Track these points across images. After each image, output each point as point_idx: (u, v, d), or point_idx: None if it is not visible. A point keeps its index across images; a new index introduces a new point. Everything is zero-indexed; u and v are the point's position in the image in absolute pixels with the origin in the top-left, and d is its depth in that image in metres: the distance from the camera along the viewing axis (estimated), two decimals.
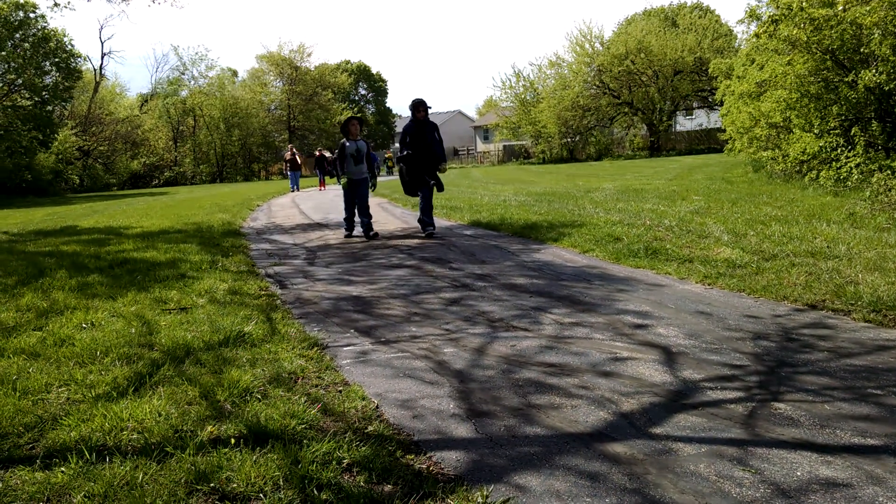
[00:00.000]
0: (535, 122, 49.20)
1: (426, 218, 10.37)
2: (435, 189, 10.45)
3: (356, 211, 10.66)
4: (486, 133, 68.46)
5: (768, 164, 15.82)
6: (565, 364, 4.13)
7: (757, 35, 12.01)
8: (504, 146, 58.51)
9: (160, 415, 3.36)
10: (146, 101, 55.69)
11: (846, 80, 11.10)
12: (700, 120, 50.63)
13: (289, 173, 28.94)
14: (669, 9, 55.52)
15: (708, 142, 44.09)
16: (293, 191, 27.04)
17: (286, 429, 3.17)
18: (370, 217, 10.73)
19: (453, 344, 4.65)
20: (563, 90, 47.42)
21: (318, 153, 29.92)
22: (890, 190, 9.34)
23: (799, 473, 2.68)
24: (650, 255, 7.40)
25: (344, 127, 10.62)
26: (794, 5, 9.81)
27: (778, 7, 9.94)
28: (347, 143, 10.44)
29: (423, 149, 10.11)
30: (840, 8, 9.32)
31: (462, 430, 3.25)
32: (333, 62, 68.12)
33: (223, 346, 4.56)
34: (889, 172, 9.98)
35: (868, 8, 9.75)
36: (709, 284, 6.11)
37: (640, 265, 7.09)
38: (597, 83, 47.23)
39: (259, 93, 57.83)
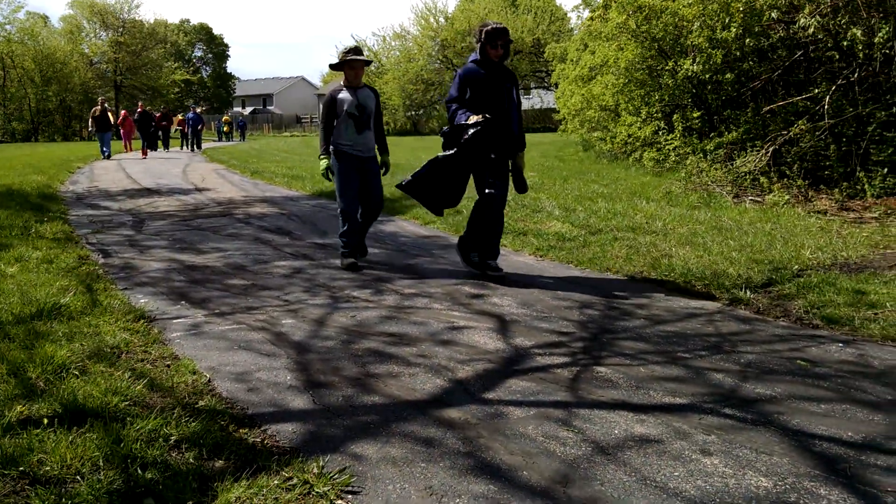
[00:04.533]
0: (379, 92, 48.95)
1: (488, 249, 5.56)
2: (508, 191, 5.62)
3: (362, 213, 6.07)
4: None
5: (597, 144, 16.78)
6: (405, 334, 4.18)
7: (591, 19, 12.65)
8: None
9: None
10: None
11: (667, 68, 11.99)
12: (536, 100, 52.63)
13: (96, 134, 22.22)
14: None
15: (544, 121, 45.97)
16: (104, 156, 21.40)
17: (107, 406, 2.97)
18: (371, 222, 6.25)
19: (292, 315, 4.56)
20: (408, 63, 47.48)
21: (139, 109, 25.23)
22: (701, 172, 10.23)
23: (616, 432, 2.89)
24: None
25: (338, 66, 5.99)
26: None
27: None
28: (343, 95, 5.90)
29: (499, 117, 5.25)
30: None
31: (299, 401, 3.20)
32: (174, 21, 63.75)
33: (36, 320, 4.18)
34: (702, 155, 10.92)
35: (688, 1, 10.57)
36: (541, 256, 6.41)
37: None
38: (441, 58, 47.73)
39: (80, 43, 52.94)
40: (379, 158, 6.14)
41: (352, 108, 5.88)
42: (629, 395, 3.27)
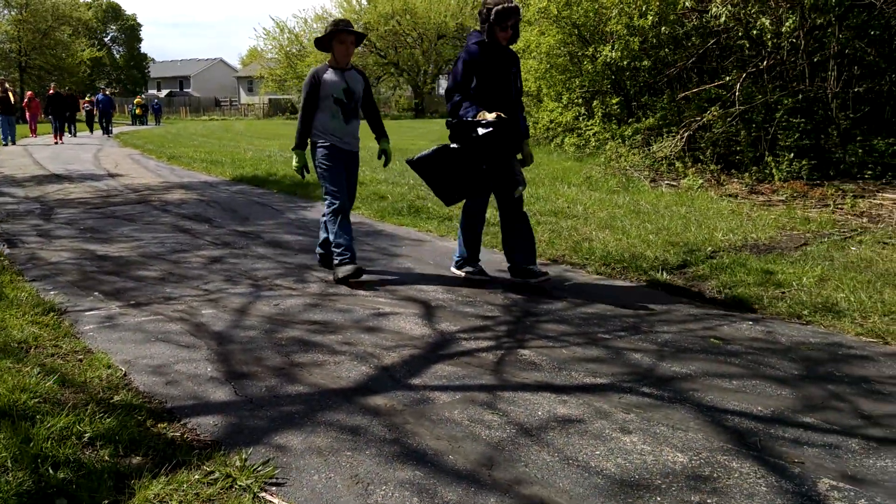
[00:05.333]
0: (301, 77, 48.00)
1: (523, 255, 4.90)
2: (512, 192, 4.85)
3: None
4: (250, 84, 65.39)
5: None
6: (330, 321, 4.14)
7: None
8: (270, 99, 56.49)
9: None
10: None
11: (587, 54, 12.21)
12: None
13: None
14: None
15: None
16: (5, 143, 19.76)
17: (15, 404, 2.82)
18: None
19: (213, 305, 4.44)
20: None
21: (51, 91, 23.48)
22: (620, 157, 10.49)
23: (540, 413, 2.94)
24: (413, 213, 7.62)
25: (322, 42, 5.07)
26: None
27: None
28: (329, 76, 5.03)
29: (506, 107, 4.67)
30: None
31: (220, 393, 3.13)
32: None
33: None
34: (620, 141, 11.20)
35: None
36: None
37: (403, 223, 7.27)
38: (364, 41, 47.21)
39: None
40: (378, 146, 5.40)
41: (339, 93, 4.98)
42: (552, 376, 3.34)
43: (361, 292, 4.76)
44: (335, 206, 5.00)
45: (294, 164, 5.18)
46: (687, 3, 9.63)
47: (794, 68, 9.42)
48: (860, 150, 8.64)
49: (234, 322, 4.12)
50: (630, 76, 12.28)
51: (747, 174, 8.91)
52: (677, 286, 4.91)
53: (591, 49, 12.07)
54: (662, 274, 5.10)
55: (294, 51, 49.90)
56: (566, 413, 2.94)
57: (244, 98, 65.90)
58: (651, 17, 10.22)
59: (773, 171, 8.61)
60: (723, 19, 8.95)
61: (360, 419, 2.87)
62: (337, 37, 4.98)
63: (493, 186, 4.77)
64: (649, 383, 3.25)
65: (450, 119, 4.68)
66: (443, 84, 53.47)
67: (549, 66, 13.86)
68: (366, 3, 47.28)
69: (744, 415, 2.93)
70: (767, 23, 8.68)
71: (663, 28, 10.34)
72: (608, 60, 11.19)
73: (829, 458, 2.58)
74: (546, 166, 11.65)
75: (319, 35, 5.21)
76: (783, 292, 4.63)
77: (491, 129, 4.37)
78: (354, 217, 7.73)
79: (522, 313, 4.33)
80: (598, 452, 2.61)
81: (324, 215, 5.18)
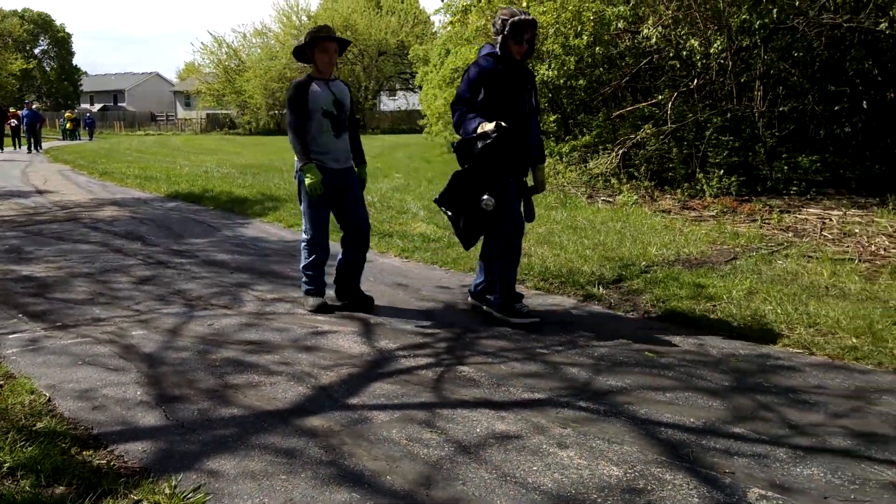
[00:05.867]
0: (240, 92, 47.40)
1: (505, 289, 4.48)
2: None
3: (350, 245, 4.73)
4: (187, 99, 64.12)
5: None
6: (266, 341, 4.06)
7: (451, 23, 12.87)
8: (208, 114, 55.46)
9: None
10: None
11: None
12: (402, 101, 52.84)
13: None
14: None
15: (409, 122, 46.24)
16: None
17: None
18: (363, 256, 4.80)
19: (144, 326, 4.31)
20: (270, 61, 46.29)
21: None
22: (558, 173, 10.66)
23: (478, 430, 2.94)
24: None
25: (300, 51, 4.63)
26: None
27: None
28: (314, 87, 4.55)
29: (518, 125, 4.27)
30: (524, 5, 10.36)
31: (150, 418, 3.03)
32: (9, 7, 58.53)
33: None
34: (558, 158, 11.38)
35: (543, 9, 10.96)
36: (406, 258, 6.43)
37: None
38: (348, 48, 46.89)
39: None
40: (358, 170, 4.81)
41: (329, 105, 4.52)
42: (491, 392, 3.35)
43: (300, 310, 4.69)
44: (310, 238, 4.65)
45: (309, 180, 4.41)
46: (620, 25, 9.89)
47: (722, 88, 9.77)
48: (786, 167, 9.00)
49: (165, 343, 4.00)
50: (567, 95, 12.52)
51: (679, 190, 9.17)
52: (613, 300, 5.00)
53: None
54: (599, 289, 5.19)
55: (233, 65, 49.23)
56: (504, 429, 2.95)
57: (181, 113, 64.54)
58: (586, 38, 10.44)
59: (704, 187, 8.88)
60: (654, 40, 9.22)
61: (295, 441, 2.81)
62: (319, 45, 4.52)
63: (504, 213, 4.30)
64: (586, 397, 3.29)
65: (454, 143, 4.32)
66: (385, 101, 53.51)
67: None
68: (306, 19, 47.04)
69: (677, 427, 2.99)
70: (696, 44, 8.98)
71: (598, 48, 10.58)
72: (545, 79, 11.38)
73: (759, 467, 2.65)
74: None
75: (291, 45, 5.00)
76: (714, 305, 4.76)
77: (490, 140, 4.01)
78: (293, 233, 7.67)
79: (462, 330, 4.33)
80: (535, 468, 2.62)
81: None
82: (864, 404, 3.25)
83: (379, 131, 46.33)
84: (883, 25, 7.86)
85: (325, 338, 4.14)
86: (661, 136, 9.55)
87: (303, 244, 4.71)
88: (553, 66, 11.27)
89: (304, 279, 4.73)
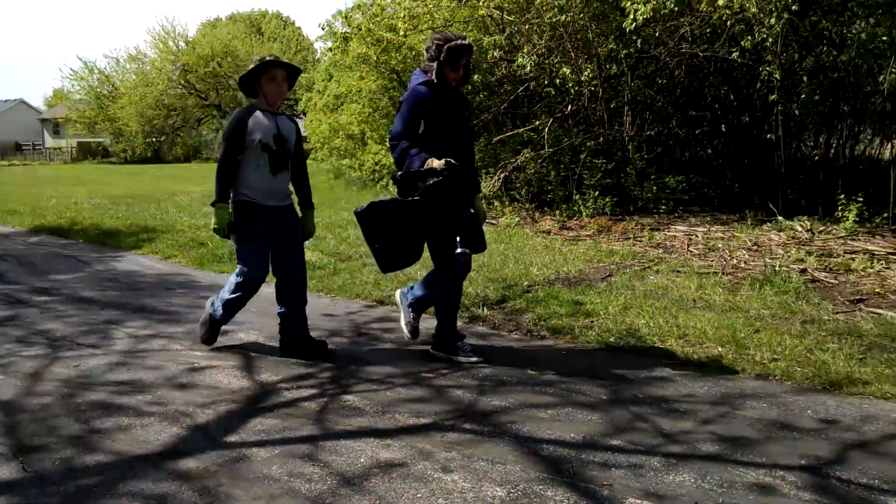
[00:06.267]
0: (114, 119, 45.25)
1: (448, 326, 4.32)
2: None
3: (285, 293, 4.38)
4: (56, 127, 60.39)
5: (347, 172, 17.01)
6: (138, 380, 3.85)
7: (331, 50, 12.86)
8: (79, 143, 52.53)
9: None
10: None
11: None
12: None
13: None
14: (254, 16, 56.09)
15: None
16: None
17: None
18: (303, 306, 4.41)
19: (0, 371, 3.98)
20: (146, 87, 44.50)
21: None
22: None
23: (363, 460, 2.89)
24: (234, 261, 7.33)
25: (247, 81, 4.26)
26: (363, 26, 10.77)
27: (349, 26, 10.80)
28: (256, 117, 4.18)
29: (461, 154, 4.15)
30: (402, 34, 10.49)
31: (5, 470, 2.78)
32: None
33: None
34: None
35: (423, 37, 11.15)
36: None
37: (224, 270, 6.98)
38: (182, 82, 45.41)
39: None
40: (303, 217, 4.44)
41: (268, 138, 4.14)
42: (375, 420, 3.31)
43: (176, 346, 4.48)
44: (240, 281, 4.19)
45: (213, 223, 4.16)
46: (496, 53, 10.19)
47: (595, 114, 10.24)
48: (654, 188, 9.51)
49: (25, 389, 3.71)
50: None
51: (558, 211, 9.49)
52: (497, 320, 5.08)
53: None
54: (483, 310, 5.26)
55: (105, 92, 46.98)
56: (389, 457, 2.91)
57: (50, 141, 60.71)
58: None
59: (581, 208, 9.24)
60: (528, 68, 9.55)
61: (168, 486, 2.67)
62: (267, 72, 4.17)
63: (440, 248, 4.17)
64: (471, 419, 3.31)
65: (396, 174, 4.11)
66: None
67: (372, 110, 14.08)
68: (184, 44, 45.67)
69: (558, 443, 3.06)
70: (568, 72, 9.39)
71: (477, 76, 10.85)
72: None
73: (634, 477, 2.74)
74: None
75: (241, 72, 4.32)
76: (592, 321, 4.94)
77: (440, 178, 3.87)
78: (170, 265, 7.35)
79: (348, 358, 4.27)
80: (420, 495, 2.60)
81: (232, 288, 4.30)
82: (729, 409, 3.44)
83: None
84: (735, 55, 8.50)
85: (202, 374, 3.97)
86: (540, 160, 9.87)
87: (235, 277, 4.24)
88: None
89: (216, 308, 4.31)
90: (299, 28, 50.97)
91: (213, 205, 4.17)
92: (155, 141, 46.42)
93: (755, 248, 7.11)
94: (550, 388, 3.73)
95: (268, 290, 6.18)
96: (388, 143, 13.82)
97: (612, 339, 4.56)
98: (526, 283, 6.00)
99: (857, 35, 8.61)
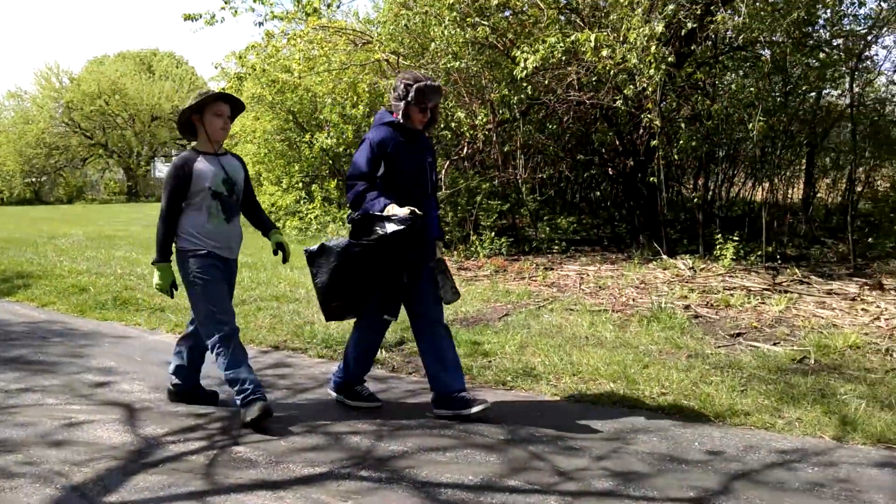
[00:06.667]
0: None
1: (452, 383, 3.94)
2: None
3: (186, 337, 4.11)
4: None
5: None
6: (6, 439, 3.55)
7: (223, 90, 12.66)
8: None
9: None
10: None
11: (304, 140, 12.46)
12: None
13: None
14: (143, 54, 54.50)
15: None
16: None
17: None
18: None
19: None
20: (26, 125, 42.19)
21: None
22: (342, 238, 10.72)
23: None
24: (119, 306, 6.98)
25: (185, 121, 3.94)
26: (258, 67, 10.66)
27: (243, 66, 10.68)
28: (200, 164, 3.84)
29: (422, 202, 3.95)
30: (296, 75, 10.46)
31: None
32: None
33: None
34: (341, 224, 11.47)
35: (319, 79, 11.17)
36: (179, 332, 6.02)
37: (107, 317, 6.62)
38: (66, 120, 43.35)
39: None
40: (269, 239, 4.25)
41: (218, 185, 3.79)
42: (268, 472, 3.18)
43: (50, 400, 4.18)
44: (223, 332, 3.76)
45: (156, 281, 3.84)
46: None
47: (489, 157, 10.50)
48: (548, 228, 9.81)
49: None
50: (347, 161, 12.75)
51: (457, 252, 9.61)
52: (395, 363, 5.04)
53: (307, 136, 12.35)
54: (382, 352, 5.21)
55: None
56: None
57: None
58: (362, 108, 10.76)
59: (478, 248, 9.40)
60: None
61: None
62: (209, 107, 3.81)
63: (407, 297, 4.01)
64: (368, 466, 3.25)
65: (352, 214, 3.87)
66: (160, 167, 50.74)
67: (267, 150, 13.90)
68: (68, 81, 43.73)
69: (456, 486, 3.04)
70: (463, 116, 9.60)
71: (372, 118, 10.95)
72: (325, 146, 11.51)
73: None
74: (269, 250, 11.46)
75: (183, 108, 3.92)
76: (490, 361, 4.98)
77: (403, 227, 3.62)
78: (46, 312, 6.90)
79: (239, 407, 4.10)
80: None
81: (181, 340, 4.07)
82: (622, 445, 3.53)
83: (154, 198, 43.74)
84: (619, 102, 8.95)
85: (80, 429, 3.71)
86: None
87: (213, 343, 3.77)
88: (332, 134, 11.45)
89: (235, 387, 3.74)
90: (193, 67, 49.87)
91: (154, 263, 3.84)
92: (35, 181, 43.89)
93: (642, 285, 7.43)
94: (449, 431, 3.72)
95: (153, 336, 5.92)
96: (283, 184, 13.59)
97: (508, 378, 4.61)
98: None
99: (728, 86, 9.29)
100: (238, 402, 3.75)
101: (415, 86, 3.82)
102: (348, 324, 6.01)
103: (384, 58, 10.35)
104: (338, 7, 10.30)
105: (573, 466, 3.26)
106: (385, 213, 3.68)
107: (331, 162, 12.76)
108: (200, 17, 10.09)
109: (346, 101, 11.15)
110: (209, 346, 3.81)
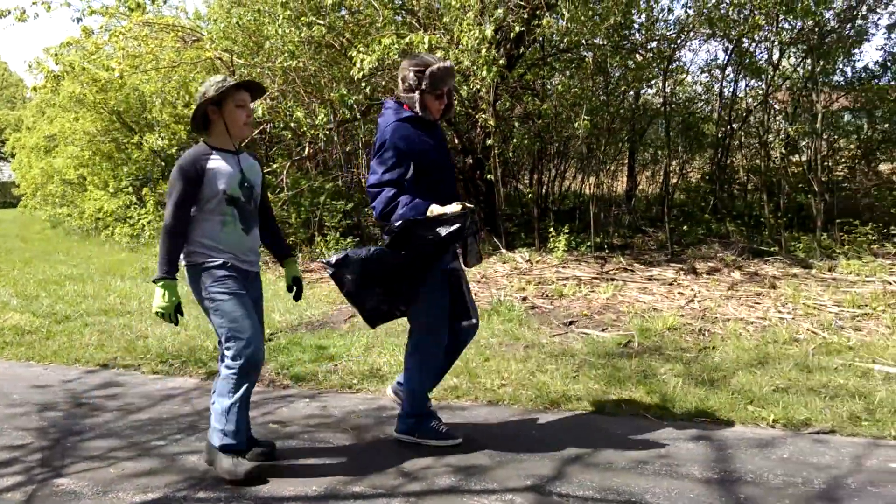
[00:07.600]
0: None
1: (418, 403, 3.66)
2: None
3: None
4: None
5: (66, 220, 15.43)
6: None
7: (35, 89, 11.64)
8: None
9: None
10: None
11: (133, 141, 11.73)
12: None
13: None
14: None
15: (3, 196, 40.42)
16: None
17: None
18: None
19: None
20: None
21: None
22: None
23: None
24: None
25: (200, 115, 3.22)
26: (77, 65, 9.89)
27: (58, 63, 9.85)
28: (215, 162, 3.16)
29: (453, 199, 3.41)
30: (117, 74, 9.81)
31: None
32: None
33: None
34: None
35: (146, 77, 10.55)
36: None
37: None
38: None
39: None
40: (286, 268, 3.61)
41: (234, 188, 3.20)
42: (95, 503, 2.98)
43: None
44: (246, 355, 3.10)
45: (158, 303, 3.14)
46: None
47: (332, 156, 10.41)
48: None
49: None
50: (167, 166, 12.18)
51: (301, 254, 9.45)
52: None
53: (136, 137, 11.64)
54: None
55: None
56: None
57: None
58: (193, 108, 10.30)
59: (323, 249, 9.29)
60: (260, 111, 9.45)
61: None
62: (232, 97, 3.19)
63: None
64: (206, 487, 3.13)
65: (388, 224, 3.36)
66: (7, 171, 45.73)
67: (92, 152, 12.95)
68: None
69: (299, 498, 3.00)
70: (302, 116, 9.44)
71: None
72: (156, 148, 10.90)
73: None
74: (97, 260, 10.73)
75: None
76: (336, 365, 4.95)
77: (458, 225, 3.26)
78: None
79: (62, 434, 3.81)
80: None
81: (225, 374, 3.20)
82: (464, 441, 3.63)
83: None
84: (455, 102, 9.16)
85: None
86: (280, 203, 9.77)
87: (228, 367, 3.15)
88: (163, 135, 10.88)
89: (218, 425, 3.16)
90: (5, 63, 45.40)
91: (156, 281, 3.14)
92: None
93: (483, 280, 7.67)
94: (293, 441, 3.66)
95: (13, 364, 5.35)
96: (110, 188, 12.75)
97: (355, 381, 4.61)
98: (268, 331, 5.85)
99: (556, 86, 9.79)
100: (214, 442, 3.21)
101: (427, 71, 3.39)
102: (185, 335, 5.77)
103: (216, 56, 9.95)
104: (164, 2, 9.77)
105: (418, 466, 3.32)
106: (433, 216, 3.30)
107: (163, 164, 12.10)
108: (10, 13, 9.20)
109: (178, 100, 10.63)
110: (224, 366, 3.20)
